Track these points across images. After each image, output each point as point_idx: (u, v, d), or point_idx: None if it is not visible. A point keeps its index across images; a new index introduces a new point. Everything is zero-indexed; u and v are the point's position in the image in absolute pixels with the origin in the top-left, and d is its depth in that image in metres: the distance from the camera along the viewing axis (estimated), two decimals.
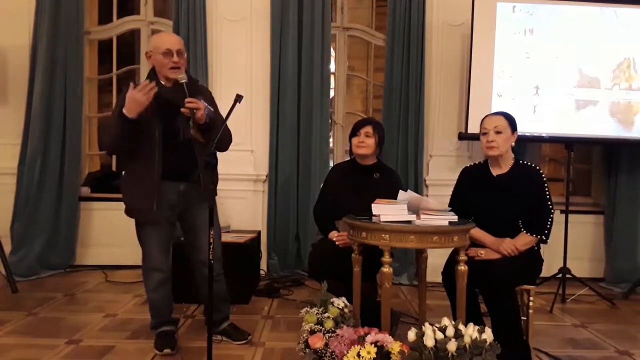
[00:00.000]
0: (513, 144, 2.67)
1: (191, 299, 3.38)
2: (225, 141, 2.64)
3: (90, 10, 4.73)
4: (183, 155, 2.54)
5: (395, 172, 3.29)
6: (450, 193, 2.84)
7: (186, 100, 2.43)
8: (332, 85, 4.73)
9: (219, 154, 2.64)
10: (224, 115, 2.40)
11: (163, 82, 2.60)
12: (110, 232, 4.43)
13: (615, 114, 4.07)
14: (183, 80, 2.50)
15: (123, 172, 2.67)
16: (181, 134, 2.50)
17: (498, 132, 2.62)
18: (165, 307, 2.78)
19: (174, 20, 4.33)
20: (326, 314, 2.43)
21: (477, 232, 2.60)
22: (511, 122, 2.67)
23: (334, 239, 2.91)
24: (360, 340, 2.22)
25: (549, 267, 3.50)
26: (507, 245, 2.53)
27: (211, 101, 2.65)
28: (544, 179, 2.62)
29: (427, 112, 4.37)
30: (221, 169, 2.72)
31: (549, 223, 2.57)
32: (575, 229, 4.09)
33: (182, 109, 2.44)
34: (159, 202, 2.54)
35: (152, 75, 2.63)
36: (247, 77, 4.37)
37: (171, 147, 2.54)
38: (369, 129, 2.97)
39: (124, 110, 2.38)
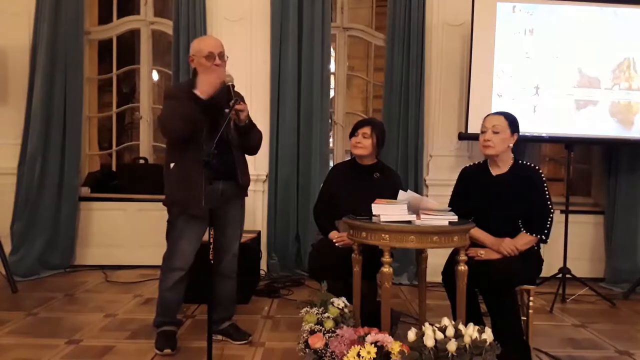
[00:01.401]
0: (511, 145, 2.66)
1: (191, 299, 3.37)
2: (259, 143, 2.79)
3: (90, 10, 4.73)
4: (222, 154, 2.52)
5: (395, 172, 3.30)
6: (450, 193, 2.84)
7: (232, 101, 2.47)
8: (332, 85, 4.73)
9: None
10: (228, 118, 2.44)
11: None
12: (110, 232, 4.44)
13: (615, 114, 4.07)
14: (230, 82, 2.53)
15: (171, 165, 2.66)
16: (225, 134, 2.51)
17: (495, 132, 2.62)
18: (175, 308, 2.79)
19: (174, 20, 4.34)
20: (326, 314, 2.43)
21: (477, 232, 2.60)
22: (512, 123, 2.65)
23: (334, 240, 2.91)
24: (360, 340, 2.22)
25: (549, 267, 3.49)
26: (507, 245, 2.53)
27: None
28: (544, 178, 2.62)
29: (427, 112, 4.38)
30: None
31: (548, 223, 2.57)
32: (575, 229, 4.09)
33: (227, 110, 2.47)
34: (207, 198, 2.53)
35: (194, 78, 2.66)
36: (247, 77, 4.36)
37: (214, 146, 2.53)
38: (366, 129, 2.98)
39: (197, 92, 2.46)
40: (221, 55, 2.64)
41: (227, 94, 2.51)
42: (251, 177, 4.24)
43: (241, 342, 2.81)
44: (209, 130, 2.54)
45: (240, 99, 2.54)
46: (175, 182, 2.65)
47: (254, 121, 2.77)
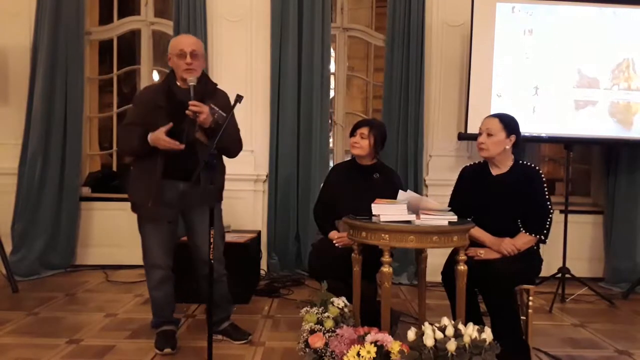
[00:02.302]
0: (508, 147, 2.65)
1: (191, 299, 3.39)
2: (232, 147, 2.70)
3: (91, 11, 4.74)
4: (186, 156, 2.55)
5: (395, 172, 3.30)
6: (450, 193, 2.84)
7: (190, 103, 2.46)
8: (332, 85, 4.74)
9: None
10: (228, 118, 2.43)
11: (179, 84, 2.64)
12: (110, 232, 4.44)
13: (614, 114, 4.08)
14: (191, 83, 2.52)
15: (131, 168, 2.74)
16: (184, 136, 2.52)
17: (489, 135, 2.63)
18: (167, 306, 2.79)
19: (174, 21, 4.34)
20: (326, 314, 2.44)
21: (477, 232, 2.60)
22: (507, 125, 2.64)
23: (334, 240, 2.92)
24: (360, 340, 2.23)
25: (549, 267, 3.50)
26: (507, 244, 2.54)
27: (225, 106, 2.63)
28: (543, 179, 2.63)
29: (427, 112, 4.38)
30: None
31: (547, 223, 2.58)
32: (574, 228, 4.10)
33: (187, 111, 2.47)
34: (157, 199, 2.57)
35: (171, 76, 2.67)
36: (247, 77, 4.37)
37: None
38: (364, 130, 2.99)
39: (149, 137, 2.51)
40: (193, 54, 2.58)
41: (200, 94, 2.53)
42: (251, 177, 4.35)
43: (241, 342, 2.81)
44: (171, 132, 2.52)
45: (239, 98, 2.53)
46: (132, 185, 2.69)
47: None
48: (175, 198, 2.62)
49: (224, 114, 2.51)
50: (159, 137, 2.48)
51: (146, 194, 2.57)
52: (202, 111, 2.46)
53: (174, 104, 2.55)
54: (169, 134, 2.53)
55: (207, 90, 2.65)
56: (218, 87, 2.78)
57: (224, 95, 2.77)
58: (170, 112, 2.55)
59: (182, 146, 2.48)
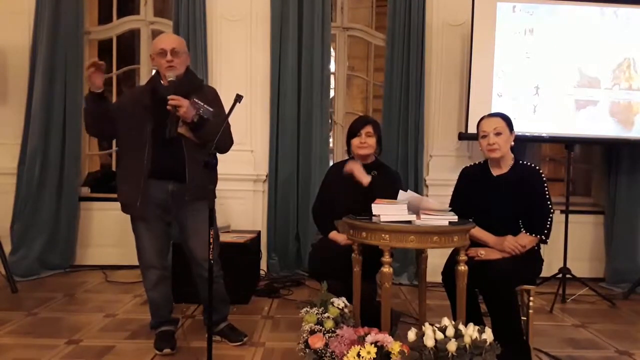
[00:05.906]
0: (512, 143, 2.67)
1: (191, 299, 3.38)
2: (224, 143, 2.63)
3: (90, 10, 4.73)
4: (172, 154, 2.54)
5: (395, 171, 3.29)
6: (451, 193, 2.84)
7: (169, 97, 2.45)
8: (332, 85, 4.73)
9: (218, 154, 2.65)
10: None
11: (163, 82, 2.63)
12: (110, 232, 4.44)
13: (615, 114, 4.07)
14: (170, 79, 2.53)
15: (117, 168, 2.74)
16: (167, 132, 2.51)
17: (498, 134, 2.62)
18: (165, 307, 2.78)
19: (174, 20, 4.33)
20: (326, 314, 2.43)
21: (479, 232, 2.60)
22: (508, 122, 2.66)
23: (341, 243, 2.88)
24: (360, 340, 2.22)
25: (549, 267, 3.49)
26: (510, 242, 2.53)
27: (212, 101, 2.63)
28: (544, 178, 2.62)
29: (427, 112, 4.37)
30: (221, 169, 2.71)
31: (548, 223, 2.57)
32: (575, 229, 4.09)
33: (167, 106, 2.46)
34: (145, 198, 2.56)
35: (156, 75, 2.68)
36: (247, 77, 4.37)
37: (161, 145, 2.55)
38: (369, 128, 2.96)
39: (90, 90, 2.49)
40: (174, 52, 2.57)
41: (183, 92, 2.51)
42: (251, 177, 4.34)
43: (237, 344, 2.80)
44: (153, 129, 2.53)
45: (238, 98, 2.51)
46: (119, 185, 2.68)
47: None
48: (165, 198, 2.61)
49: (211, 109, 2.48)
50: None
51: (134, 193, 2.56)
52: (180, 104, 2.44)
53: (157, 101, 2.55)
54: (154, 131, 2.53)
55: (193, 86, 2.64)
56: (205, 83, 2.77)
57: (212, 91, 2.77)
58: (154, 110, 2.55)
59: (99, 63, 2.44)
